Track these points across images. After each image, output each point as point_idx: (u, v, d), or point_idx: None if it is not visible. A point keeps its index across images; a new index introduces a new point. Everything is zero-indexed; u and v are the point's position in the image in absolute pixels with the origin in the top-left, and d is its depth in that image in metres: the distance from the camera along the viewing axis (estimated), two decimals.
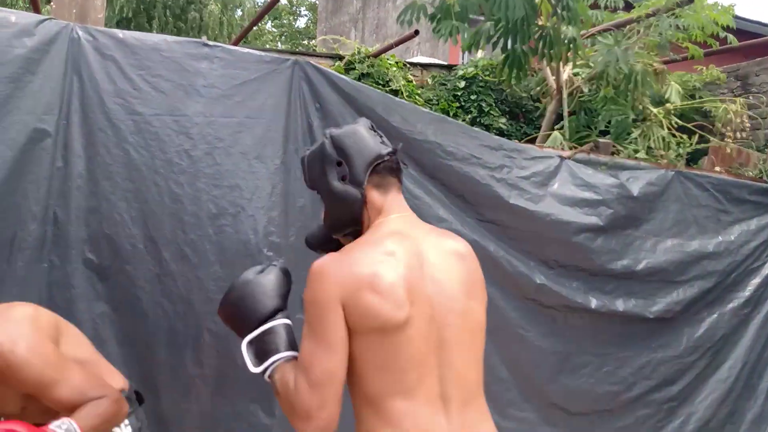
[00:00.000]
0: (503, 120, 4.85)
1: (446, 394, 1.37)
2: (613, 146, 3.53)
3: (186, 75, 2.44)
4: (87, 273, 2.32)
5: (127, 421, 1.79)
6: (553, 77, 3.94)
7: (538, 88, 4.58)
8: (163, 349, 2.41)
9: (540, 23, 3.13)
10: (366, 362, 1.34)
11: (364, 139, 1.53)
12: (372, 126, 1.59)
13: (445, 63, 5.48)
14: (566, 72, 3.98)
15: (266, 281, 1.52)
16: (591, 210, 3.15)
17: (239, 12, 18.43)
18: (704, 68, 4.86)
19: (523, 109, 5.08)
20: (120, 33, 2.40)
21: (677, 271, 3.36)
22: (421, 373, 1.35)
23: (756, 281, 3.57)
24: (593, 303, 3.15)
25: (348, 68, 4.55)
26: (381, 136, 1.57)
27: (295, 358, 1.42)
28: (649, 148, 3.67)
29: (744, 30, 7.38)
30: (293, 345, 1.45)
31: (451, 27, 2.75)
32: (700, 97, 4.51)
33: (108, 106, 2.33)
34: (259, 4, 23.09)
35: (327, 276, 1.36)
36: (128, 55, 2.38)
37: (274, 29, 22.42)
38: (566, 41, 3.15)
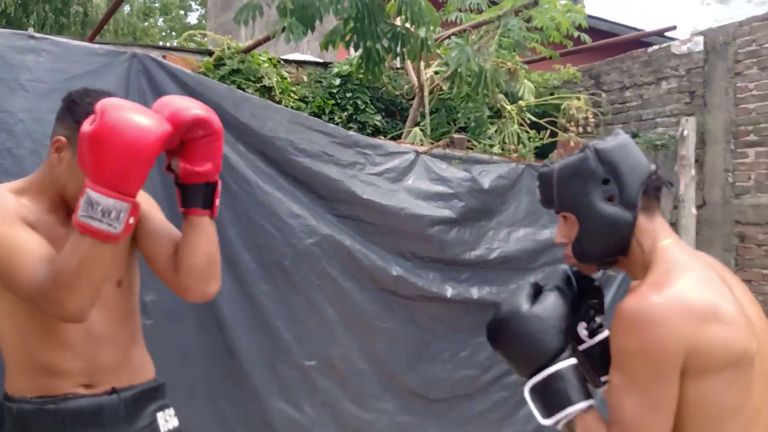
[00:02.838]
0: (379, 117, 4.92)
1: None
2: (468, 141, 3.67)
3: (9, 69, 2.32)
4: None
5: (173, 411, 1.75)
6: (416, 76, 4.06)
7: (407, 87, 4.69)
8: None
9: (391, 23, 3.21)
10: (708, 410, 1.14)
11: (635, 153, 1.34)
12: None
13: (321, 60, 5.48)
14: (429, 71, 4.10)
15: (546, 315, 1.31)
16: (444, 203, 3.26)
17: (128, 8, 17.66)
18: (562, 67, 5.14)
19: (399, 107, 5.18)
20: None
21: (529, 259, 3.54)
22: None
23: None
24: (449, 292, 3.26)
25: (218, 64, 4.47)
26: None
27: (591, 407, 1.24)
28: (504, 143, 3.84)
29: (597, 29, 7.86)
30: (587, 392, 1.27)
31: (288, 25, 2.75)
32: (558, 95, 4.77)
33: None
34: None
35: (665, 320, 1.13)
36: None
37: (164, 25, 21.65)
38: (418, 41, 3.24)
